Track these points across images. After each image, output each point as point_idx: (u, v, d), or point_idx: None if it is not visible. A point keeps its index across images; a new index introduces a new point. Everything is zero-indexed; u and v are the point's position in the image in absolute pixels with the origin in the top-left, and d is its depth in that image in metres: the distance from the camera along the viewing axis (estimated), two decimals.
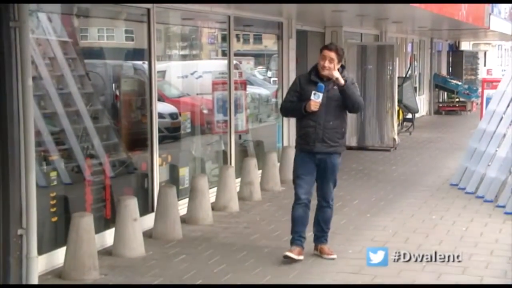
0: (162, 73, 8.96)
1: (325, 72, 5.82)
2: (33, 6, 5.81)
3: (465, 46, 28.49)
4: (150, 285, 5.47)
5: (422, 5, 9.69)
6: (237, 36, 10.53)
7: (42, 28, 6.38)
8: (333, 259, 6.04)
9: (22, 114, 5.16)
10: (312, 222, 6.14)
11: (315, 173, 5.95)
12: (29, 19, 5.29)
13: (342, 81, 5.80)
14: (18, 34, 5.09)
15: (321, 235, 6.14)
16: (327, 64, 5.81)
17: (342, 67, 5.98)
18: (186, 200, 7.54)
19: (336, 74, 5.80)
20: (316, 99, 5.73)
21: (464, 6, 12.80)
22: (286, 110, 6.13)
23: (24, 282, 5.21)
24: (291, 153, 6.02)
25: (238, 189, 8.44)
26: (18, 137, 5.17)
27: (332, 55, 5.82)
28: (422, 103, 20.19)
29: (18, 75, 5.13)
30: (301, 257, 5.92)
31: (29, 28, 5.26)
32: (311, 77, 5.89)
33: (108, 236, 6.39)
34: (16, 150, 5.16)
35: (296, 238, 5.98)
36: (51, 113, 6.38)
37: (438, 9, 10.75)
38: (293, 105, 5.92)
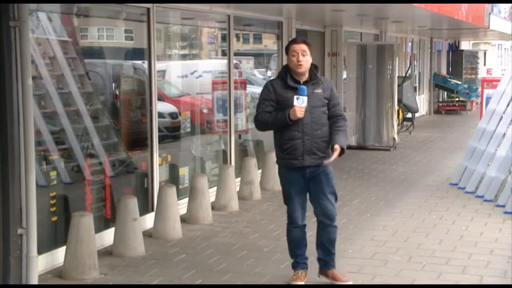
0: (162, 73, 8.97)
1: (302, 69, 5.11)
2: (33, 5, 5.81)
3: (465, 45, 28.49)
4: (150, 285, 5.47)
5: (422, 5, 9.70)
6: (237, 35, 10.53)
7: (42, 28, 6.38)
8: (350, 284, 5.35)
9: (22, 114, 5.16)
10: (315, 244, 5.38)
11: (306, 190, 5.25)
12: (29, 19, 5.29)
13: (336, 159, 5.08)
14: (18, 33, 5.10)
15: (329, 259, 5.34)
16: (301, 58, 5.09)
17: (315, 66, 5.25)
18: (186, 199, 7.54)
19: (335, 158, 5.06)
20: (300, 104, 5.02)
21: (464, 6, 12.81)
22: (265, 122, 5.19)
23: (24, 282, 5.22)
24: None
25: (238, 188, 8.44)
26: (18, 137, 5.17)
27: (303, 46, 5.11)
28: (422, 102, 20.20)
29: (18, 74, 5.13)
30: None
31: (29, 27, 5.27)
32: (288, 82, 5.13)
33: (108, 236, 6.39)
34: (16, 149, 5.16)
35: (301, 262, 5.36)
36: (51, 112, 6.38)
37: (438, 9, 10.76)
38: (273, 115, 5.12)
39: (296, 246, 5.36)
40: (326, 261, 5.35)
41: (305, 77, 5.17)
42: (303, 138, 5.11)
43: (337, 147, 5.07)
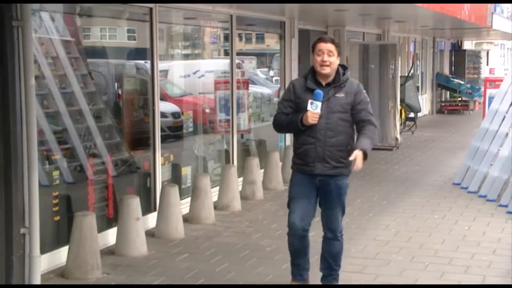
0: (165, 72, 8.97)
1: (326, 70, 4.77)
2: (35, 5, 5.82)
3: (468, 45, 28.45)
4: (152, 285, 5.48)
5: (425, 5, 9.69)
6: (239, 35, 10.53)
7: (45, 27, 6.39)
8: (352, 284, 5.24)
9: (25, 113, 5.17)
10: (320, 256, 5.14)
11: (314, 198, 4.93)
12: (32, 19, 5.30)
13: (362, 158, 4.65)
14: (21, 33, 5.10)
15: (329, 274, 5.07)
16: (326, 58, 4.74)
17: (344, 67, 4.93)
18: (189, 199, 7.55)
19: (359, 163, 4.64)
20: (314, 109, 4.69)
21: (466, 5, 12.79)
22: (280, 124, 4.94)
23: (26, 281, 5.22)
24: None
25: (240, 188, 8.45)
26: (21, 136, 5.18)
27: (330, 46, 4.77)
28: (425, 102, 20.18)
29: (21, 74, 5.14)
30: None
31: (32, 27, 5.27)
32: (308, 83, 4.82)
33: (111, 235, 6.40)
34: (19, 149, 5.17)
35: (297, 273, 5.07)
36: (53, 112, 6.39)
37: (441, 8, 10.75)
38: (288, 118, 4.85)
39: (293, 255, 5.06)
40: (325, 275, 5.10)
41: (329, 79, 4.83)
42: (315, 144, 4.78)
43: (356, 152, 4.66)
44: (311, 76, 4.85)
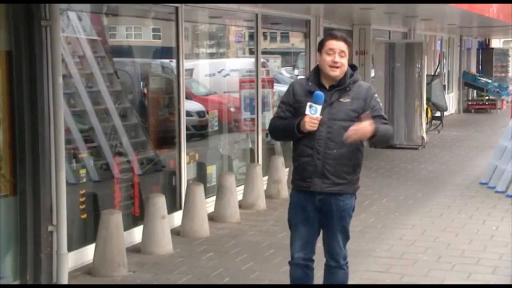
0: (190, 71, 9.01)
1: (336, 73, 4.12)
2: (63, 5, 5.88)
3: (496, 43, 28.11)
4: (177, 285, 5.50)
5: (453, 3, 9.60)
6: (265, 34, 10.53)
7: (72, 27, 6.45)
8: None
9: (52, 112, 5.23)
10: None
11: (316, 221, 4.23)
12: (60, 18, 5.35)
13: (369, 130, 4.02)
14: (49, 32, 5.16)
15: None
16: (338, 59, 4.10)
17: (353, 67, 4.26)
18: (214, 198, 7.56)
19: (362, 129, 4.02)
20: (313, 113, 4.03)
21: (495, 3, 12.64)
22: (276, 130, 4.32)
23: (54, 278, 5.28)
24: None
25: (265, 187, 8.44)
26: (49, 135, 5.24)
27: (342, 46, 4.13)
28: (451, 101, 19.99)
29: (49, 73, 5.20)
30: None
31: (60, 26, 5.32)
32: (309, 84, 4.18)
33: (137, 233, 6.44)
34: (47, 147, 5.23)
35: None
36: (80, 111, 6.45)
37: (468, 6, 10.64)
38: (284, 123, 4.19)
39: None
40: None
41: (335, 81, 4.18)
42: (313, 156, 4.11)
43: (368, 119, 4.02)
44: (313, 77, 4.21)
